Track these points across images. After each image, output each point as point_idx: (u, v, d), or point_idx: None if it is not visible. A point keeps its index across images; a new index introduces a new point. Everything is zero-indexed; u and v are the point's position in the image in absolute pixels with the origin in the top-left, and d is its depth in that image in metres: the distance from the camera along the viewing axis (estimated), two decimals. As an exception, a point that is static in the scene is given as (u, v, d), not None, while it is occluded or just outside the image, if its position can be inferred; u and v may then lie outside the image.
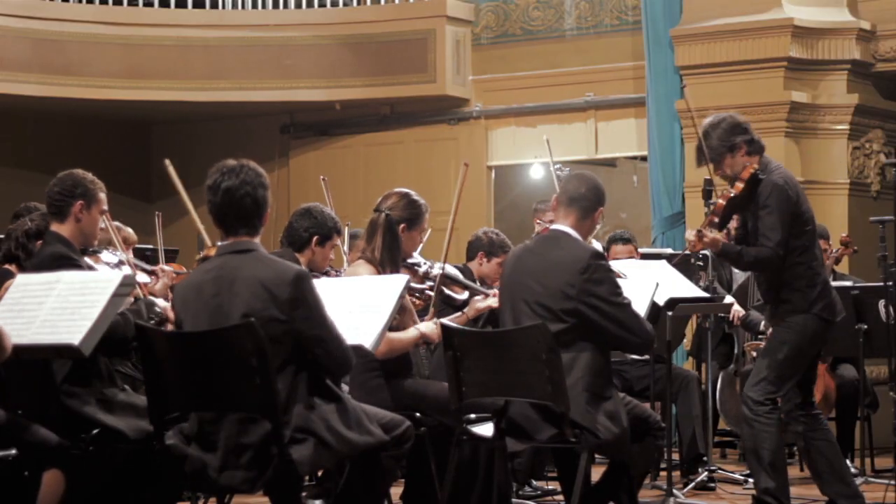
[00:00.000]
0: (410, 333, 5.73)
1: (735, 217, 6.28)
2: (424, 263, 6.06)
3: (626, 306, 5.34)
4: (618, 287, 5.36)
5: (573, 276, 5.28)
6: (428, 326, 5.74)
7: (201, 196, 6.32)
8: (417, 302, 6.00)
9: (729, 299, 8.19)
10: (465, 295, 6.21)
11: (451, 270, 6.31)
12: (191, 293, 4.74)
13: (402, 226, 5.83)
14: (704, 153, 6.31)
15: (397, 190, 6.00)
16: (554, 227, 5.54)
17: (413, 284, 5.91)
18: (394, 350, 5.64)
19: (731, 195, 6.20)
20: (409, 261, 6.00)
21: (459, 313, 6.13)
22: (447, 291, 6.12)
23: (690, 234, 6.21)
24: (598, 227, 5.72)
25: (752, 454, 6.12)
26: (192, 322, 4.68)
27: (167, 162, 6.27)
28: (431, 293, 6.00)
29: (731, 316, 8.22)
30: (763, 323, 7.98)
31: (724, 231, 6.25)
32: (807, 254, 6.14)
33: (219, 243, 4.86)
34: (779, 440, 6.07)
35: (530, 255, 5.52)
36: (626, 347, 5.49)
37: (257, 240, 4.72)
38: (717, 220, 6.22)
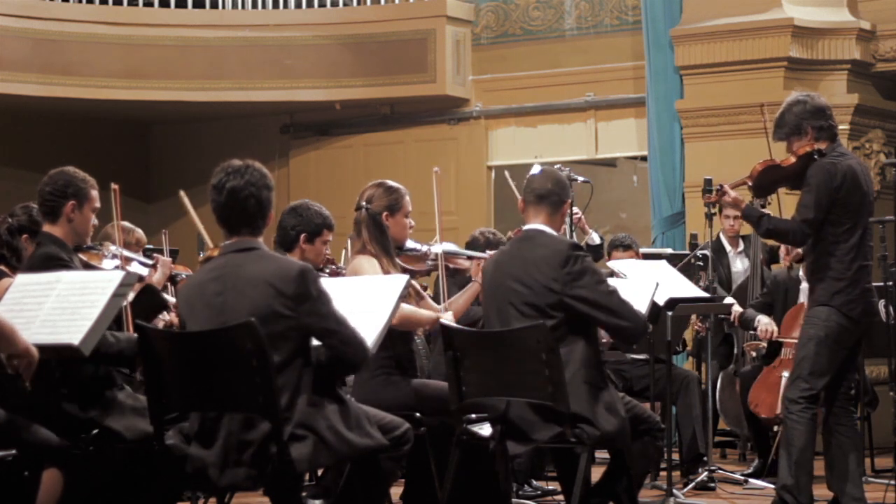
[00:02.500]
0: (429, 314, 5.79)
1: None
2: (421, 246, 6.10)
3: (613, 293, 5.34)
4: (601, 276, 5.38)
5: (555, 271, 5.29)
6: (448, 317, 5.80)
7: (202, 196, 6.33)
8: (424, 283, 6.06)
9: (729, 299, 8.19)
10: (469, 264, 6.28)
11: (450, 246, 6.36)
12: (194, 293, 4.75)
13: (384, 214, 5.89)
14: (777, 130, 6.30)
15: (371, 182, 6.05)
16: (527, 227, 5.55)
17: (415, 268, 5.97)
18: (406, 322, 5.65)
19: (776, 163, 6.20)
20: (407, 247, 6.02)
21: (473, 283, 6.17)
22: (452, 266, 6.20)
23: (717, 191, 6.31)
24: (566, 219, 5.74)
25: (783, 449, 6.15)
26: (197, 321, 4.69)
27: (182, 193, 6.26)
28: (435, 270, 6.08)
29: (731, 316, 8.19)
30: (756, 319, 8.00)
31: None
32: (842, 245, 6.10)
33: (222, 244, 4.86)
34: (807, 440, 6.05)
35: (509, 258, 5.52)
36: (620, 334, 5.47)
37: (260, 239, 4.73)
38: (750, 182, 6.23)
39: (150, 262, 6.20)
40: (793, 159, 6.19)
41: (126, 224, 7.07)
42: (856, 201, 6.13)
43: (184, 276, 6.33)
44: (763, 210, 6.36)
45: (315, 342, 4.68)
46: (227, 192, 4.67)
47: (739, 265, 9.07)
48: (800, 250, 7.21)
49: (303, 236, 6.10)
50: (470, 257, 6.32)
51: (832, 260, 6.10)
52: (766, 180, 6.26)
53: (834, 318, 6.08)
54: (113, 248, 5.86)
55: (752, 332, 8.12)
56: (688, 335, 9.00)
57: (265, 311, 4.52)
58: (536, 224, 5.51)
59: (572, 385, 5.17)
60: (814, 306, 6.16)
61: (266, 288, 4.55)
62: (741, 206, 6.30)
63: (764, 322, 7.95)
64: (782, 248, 7.92)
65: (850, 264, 6.11)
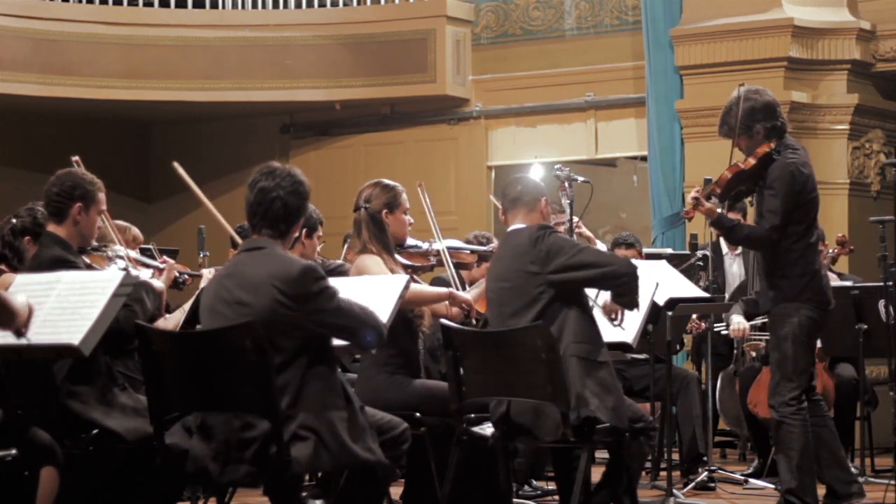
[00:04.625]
0: (440, 289, 5.85)
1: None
2: (423, 244, 6.11)
3: (586, 250, 5.52)
4: (571, 242, 5.53)
5: (530, 254, 5.42)
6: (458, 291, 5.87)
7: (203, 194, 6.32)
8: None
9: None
10: (474, 258, 6.31)
11: (452, 241, 6.38)
12: (210, 290, 4.82)
13: (383, 212, 5.90)
14: (723, 127, 6.31)
15: (367, 182, 6.07)
16: (507, 230, 5.67)
17: (419, 264, 5.99)
18: (416, 299, 5.68)
19: (741, 168, 6.21)
20: (407, 244, 6.03)
21: (482, 282, 6.18)
22: (456, 261, 6.23)
23: (689, 198, 6.27)
24: (552, 216, 5.82)
25: (780, 453, 6.16)
26: (208, 317, 4.75)
27: (176, 164, 6.22)
28: (440, 266, 6.11)
29: (732, 332, 8.04)
30: (730, 317, 7.90)
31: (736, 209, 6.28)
32: (802, 241, 6.13)
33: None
34: (806, 441, 6.07)
35: (496, 261, 5.69)
36: (610, 281, 5.44)
37: (280, 244, 4.75)
38: (718, 190, 6.23)
39: (155, 263, 6.19)
40: (752, 161, 6.20)
41: (121, 223, 7.06)
42: (813, 198, 6.20)
43: (188, 278, 6.32)
44: (733, 219, 6.36)
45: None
46: (256, 190, 4.74)
47: (736, 268, 9.07)
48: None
49: (304, 231, 6.10)
50: (472, 251, 6.36)
51: (794, 257, 6.13)
52: (733, 185, 6.28)
53: (804, 312, 6.11)
54: (119, 249, 5.84)
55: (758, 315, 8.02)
56: (687, 337, 8.99)
57: (268, 310, 4.54)
58: (515, 225, 5.63)
59: (563, 359, 5.23)
60: (779, 303, 6.16)
61: (269, 287, 4.57)
62: (714, 216, 6.29)
63: (735, 321, 7.89)
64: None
65: (812, 258, 6.17)
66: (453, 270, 6.21)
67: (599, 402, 5.27)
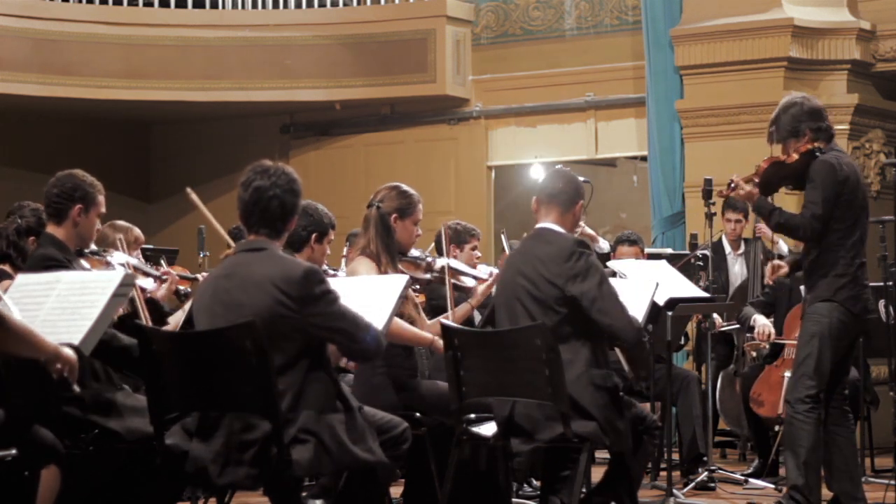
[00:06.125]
0: (424, 335, 5.76)
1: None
2: (426, 257, 6.09)
3: (612, 295, 5.36)
4: (604, 276, 5.41)
5: (560, 266, 5.34)
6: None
7: (202, 196, 6.33)
8: (420, 295, 6.00)
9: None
10: (472, 283, 6.27)
11: (455, 263, 6.35)
12: (207, 290, 4.79)
13: (393, 216, 5.87)
14: (773, 133, 6.30)
15: (388, 184, 6.04)
16: (538, 225, 5.59)
17: (416, 276, 5.95)
18: (393, 336, 5.54)
19: (781, 160, 6.22)
20: (410, 254, 6.01)
21: (465, 304, 6.17)
22: (456, 283, 6.18)
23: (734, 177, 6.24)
24: (581, 220, 5.76)
25: (789, 450, 6.15)
26: (206, 319, 4.72)
27: (189, 190, 6.19)
28: (438, 284, 6.05)
29: (756, 334, 7.98)
30: (753, 318, 7.94)
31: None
32: (845, 242, 6.13)
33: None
34: (816, 439, 6.06)
35: (519, 255, 5.59)
36: (613, 336, 5.45)
37: (277, 243, 4.74)
38: (756, 179, 6.23)
39: (156, 273, 6.18)
40: (795, 156, 6.22)
41: (123, 223, 7.06)
42: (859, 198, 6.18)
43: (189, 290, 6.31)
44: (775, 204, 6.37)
45: None
46: (252, 190, 4.70)
47: (738, 268, 9.07)
48: (785, 269, 7.18)
49: (314, 236, 6.07)
50: (474, 277, 6.30)
51: (835, 256, 6.12)
52: (772, 177, 6.27)
53: (836, 314, 6.10)
54: (120, 257, 5.83)
55: (749, 330, 8.05)
56: (689, 331, 8.97)
57: (268, 312, 4.53)
58: (547, 222, 5.55)
59: (578, 386, 5.21)
60: (814, 302, 6.17)
61: (270, 289, 4.55)
62: (754, 200, 6.29)
63: (761, 323, 7.89)
64: (768, 268, 7.92)
65: (851, 260, 6.14)
66: (451, 294, 6.16)
67: (615, 435, 5.28)
